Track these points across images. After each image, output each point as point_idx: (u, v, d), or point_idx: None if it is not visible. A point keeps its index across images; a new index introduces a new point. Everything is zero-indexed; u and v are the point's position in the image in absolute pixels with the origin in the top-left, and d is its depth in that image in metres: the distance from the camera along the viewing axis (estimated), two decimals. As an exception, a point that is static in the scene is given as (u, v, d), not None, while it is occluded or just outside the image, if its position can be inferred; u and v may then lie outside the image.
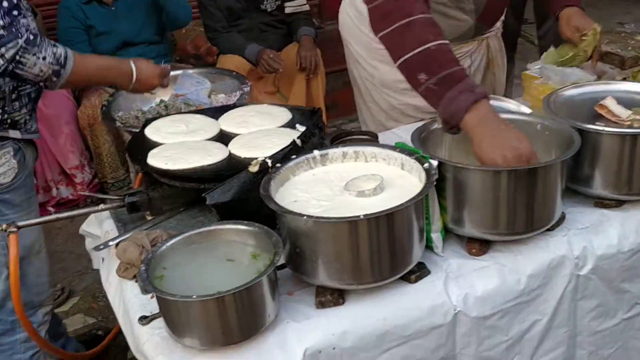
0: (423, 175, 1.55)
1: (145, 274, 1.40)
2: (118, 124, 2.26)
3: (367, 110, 2.66)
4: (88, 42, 3.85)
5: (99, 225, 2.05)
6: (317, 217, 1.40)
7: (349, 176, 1.64)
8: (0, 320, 2.11)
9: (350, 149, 1.71)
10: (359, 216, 1.38)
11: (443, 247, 1.66)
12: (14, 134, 2.03)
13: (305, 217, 1.40)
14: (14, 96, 2.00)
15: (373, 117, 2.63)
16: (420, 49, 1.66)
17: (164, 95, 2.54)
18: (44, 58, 1.85)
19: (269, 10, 4.33)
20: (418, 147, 1.66)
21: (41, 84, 1.91)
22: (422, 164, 1.57)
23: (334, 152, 1.70)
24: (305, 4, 4.45)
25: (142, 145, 1.93)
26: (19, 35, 1.80)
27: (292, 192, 1.61)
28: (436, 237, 1.63)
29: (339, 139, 1.91)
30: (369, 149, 1.70)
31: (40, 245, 2.20)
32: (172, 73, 2.63)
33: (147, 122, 2.06)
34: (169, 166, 1.77)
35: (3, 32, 1.78)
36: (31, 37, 1.83)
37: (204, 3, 4.22)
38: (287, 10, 4.40)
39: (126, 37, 3.93)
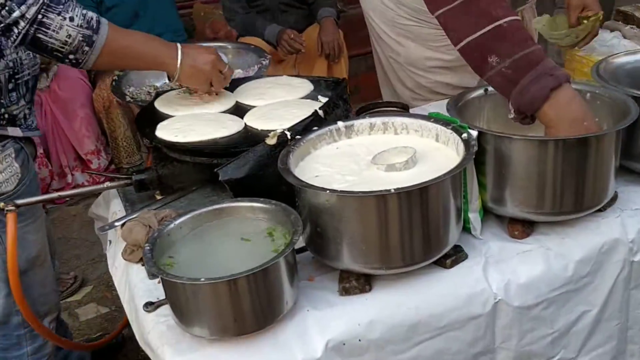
0: (461, 147, 1.38)
1: (150, 254, 1.25)
2: (128, 98, 2.11)
3: (391, 89, 2.50)
4: None
5: (106, 207, 1.92)
6: (342, 192, 1.24)
7: (376, 149, 1.47)
8: (6, 335, 1.89)
9: (378, 120, 1.54)
10: (389, 190, 1.22)
11: (482, 229, 1.49)
12: (14, 131, 1.72)
13: (328, 192, 1.24)
14: (10, 86, 1.69)
15: (398, 96, 2.47)
16: (489, 27, 1.42)
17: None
18: (72, 19, 1.51)
19: (291, -11, 4.17)
20: (455, 117, 1.48)
21: (71, 57, 1.55)
22: (460, 135, 1.40)
23: (360, 123, 1.54)
24: (327, -16, 4.27)
25: (152, 118, 1.78)
26: None
27: (314, 166, 1.45)
28: (474, 217, 1.47)
29: (366, 110, 1.74)
30: (399, 120, 1.53)
31: (45, 254, 1.93)
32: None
33: (158, 94, 1.91)
34: (178, 138, 1.62)
35: None
36: None
37: (226, -19, 4.07)
38: (309, -10, 4.23)
39: (136, 9, 3.81)
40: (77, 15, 1.53)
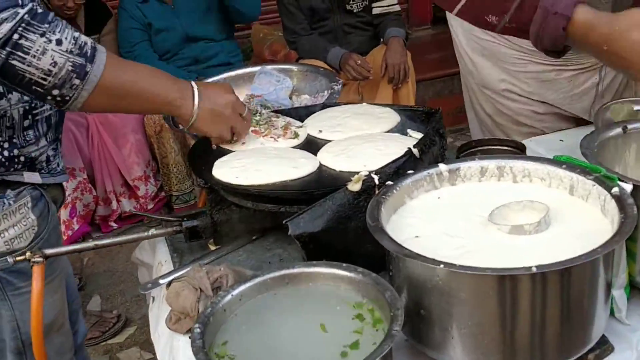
0: (611, 205, 1.04)
1: (201, 341, 0.95)
2: (181, 126, 1.84)
3: (474, 115, 2.16)
4: (149, 43, 3.59)
5: (152, 252, 1.64)
6: (462, 267, 0.91)
7: (491, 202, 1.14)
8: None
9: (491, 164, 1.21)
10: (529, 268, 0.88)
11: (627, 310, 1.13)
12: (31, 177, 1.40)
13: (442, 267, 0.91)
14: (26, 123, 1.36)
15: (481, 122, 2.13)
16: None
17: (237, 95, 2.12)
18: (59, 42, 1.16)
19: (356, 11, 3.90)
20: (594, 162, 1.14)
21: (55, 92, 1.18)
22: (608, 189, 1.06)
23: (469, 166, 1.21)
24: (395, 4, 3.99)
25: (208, 153, 1.49)
26: (17, 1, 1.13)
27: (411, 222, 1.13)
28: (619, 295, 1.12)
29: (468, 149, 1.41)
30: (519, 164, 1.20)
31: (63, 318, 1.61)
32: (248, 70, 2.22)
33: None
34: (239, 180, 1.31)
35: None
36: (38, 9, 1.16)
37: (285, 3, 3.84)
38: (375, 11, 3.96)
39: (187, 32, 3.63)
40: (66, 38, 1.17)
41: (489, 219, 1.09)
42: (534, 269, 0.88)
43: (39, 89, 1.18)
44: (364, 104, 1.67)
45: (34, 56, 1.13)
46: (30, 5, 1.14)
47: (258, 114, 1.61)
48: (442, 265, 0.92)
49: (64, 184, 1.55)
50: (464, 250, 1.04)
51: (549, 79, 1.87)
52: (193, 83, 1.39)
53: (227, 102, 1.42)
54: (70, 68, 1.17)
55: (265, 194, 1.29)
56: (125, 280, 3.30)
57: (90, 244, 1.39)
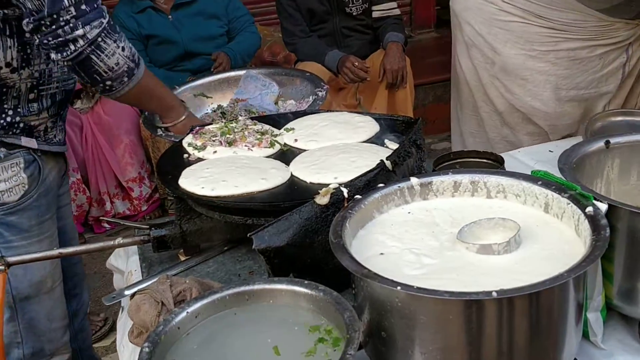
0: (584, 225, 1.00)
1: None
2: (160, 132, 1.80)
3: (474, 117, 2.13)
4: (145, 52, 3.48)
5: (125, 261, 1.61)
6: (421, 290, 0.86)
7: (462, 218, 1.10)
8: None
9: (465, 178, 1.17)
10: (489, 293, 0.84)
11: (604, 335, 1.09)
12: (28, 142, 1.58)
13: (399, 289, 0.87)
14: (31, 96, 1.57)
15: (483, 123, 2.12)
16: None
17: (222, 99, 2.08)
18: (124, 49, 1.51)
19: (355, 13, 3.84)
20: (571, 179, 1.10)
21: (108, 83, 1.52)
22: (582, 208, 1.01)
23: (441, 181, 1.17)
24: (395, 8, 3.93)
25: (177, 161, 1.45)
26: (103, 14, 1.47)
27: (378, 238, 1.09)
28: (594, 318, 1.07)
29: (445, 161, 1.37)
30: (494, 179, 1.15)
31: (54, 280, 1.70)
32: (233, 73, 2.19)
33: (192, 129, 1.59)
34: (205, 191, 1.28)
35: (86, 7, 1.42)
36: (111, 20, 1.50)
37: (283, 4, 3.78)
38: (375, 15, 3.90)
39: (186, 48, 3.52)
40: (127, 47, 1.53)
41: (457, 237, 1.04)
42: (494, 294, 0.84)
43: (97, 77, 1.50)
44: (344, 112, 1.62)
45: (107, 55, 1.47)
46: (108, 17, 1.49)
47: (234, 120, 1.57)
48: (399, 287, 0.87)
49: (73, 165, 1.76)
50: (429, 269, 0.99)
51: (580, 57, 1.88)
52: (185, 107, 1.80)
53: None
54: (125, 69, 1.52)
55: (231, 205, 1.25)
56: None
57: (54, 252, 1.36)
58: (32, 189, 1.59)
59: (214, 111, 2.03)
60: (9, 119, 1.53)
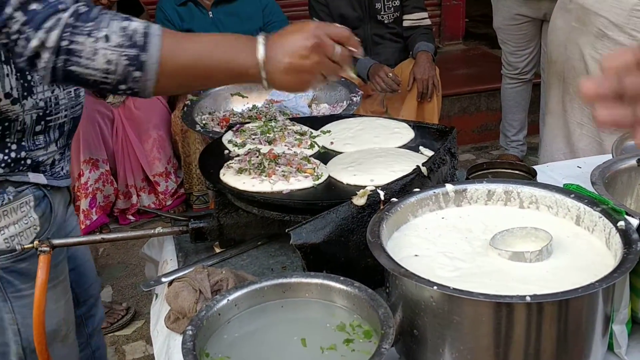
0: (615, 239, 1.03)
1: (192, 344, 0.95)
2: (199, 127, 1.86)
3: (585, 109, 2.26)
4: None
5: (160, 250, 1.66)
6: (456, 291, 0.90)
7: (495, 226, 1.14)
8: None
9: (499, 187, 1.20)
10: (523, 297, 0.87)
11: (628, 347, 1.11)
12: (36, 178, 1.38)
13: (435, 288, 0.91)
14: (38, 128, 1.36)
15: (589, 121, 2.24)
16: None
17: (257, 100, 2.13)
18: (107, 38, 1.09)
19: (386, 21, 3.89)
20: (603, 194, 1.13)
21: (122, 87, 1.13)
22: (614, 222, 1.05)
23: (476, 189, 1.21)
24: (426, 18, 3.97)
25: (219, 156, 1.50)
26: (58, 5, 1.09)
27: (412, 240, 1.12)
28: (619, 331, 1.10)
29: (478, 170, 1.40)
30: (527, 190, 1.19)
31: (68, 327, 1.55)
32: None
33: (231, 127, 1.64)
34: (246, 186, 1.32)
35: (36, 6, 1.08)
36: (81, 8, 1.11)
37: (316, 9, 3.84)
38: (406, 24, 3.94)
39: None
40: (113, 32, 1.10)
41: (490, 244, 1.08)
42: (528, 299, 0.87)
43: (106, 87, 1.13)
44: (381, 117, 1.67)
45: (88, 58, 1.09)
46: (72, 7, 1.09)
47: (274, 119, 1.61)
48: (435, 287, 0.91)
49: (81, 177, 1.57)
50: (462, 273, 1.03)
51: None
52: (260, 39, 1.17)
53: (303, 51, 1.16)
54: (125, 62, 1.10)
55: (271, 201, 1.30)
56: (138, 274, 3.32)
57: (97, 237, 1.41)
58: (45, 229, 1.41)
59: (250, 110, 2.08)
60: (13, 154, 1.33)
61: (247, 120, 1.73)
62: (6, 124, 1.30)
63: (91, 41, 1.08)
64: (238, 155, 1.47)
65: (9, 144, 1.33)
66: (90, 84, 1.13)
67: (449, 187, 1.20)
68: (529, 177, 1.37)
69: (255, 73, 1.16)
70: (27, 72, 1.30)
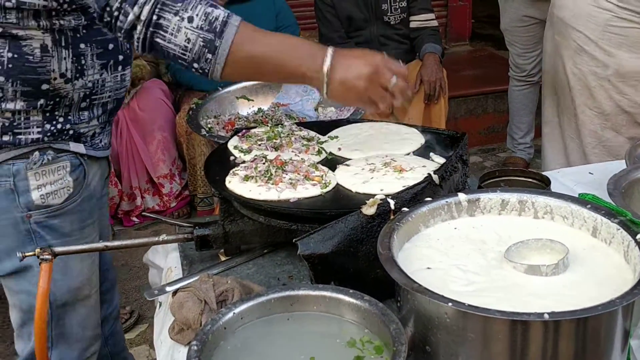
0: (635, 251, 0.99)
1: (197, 359, 0.92)
2: (204, 132, 1.83)
3: (573, 121, 2.24)
4: None
5: (164, 256, 1.63)
6: (471, 307, 0.87)
7: (509, 237, 1.10)
8: None
9: (512, 197, 1.17)
10: (541, 315, 0.84)
11: (646, 362, 1.08)
12: (77, 147, 1.52)
13: (450, 305, 0.88)
14: (83, 104, 1.50)
15: (580, 128, 2.23)
16: None
17: (263, 103, 2.10)
18: (190, 19, 1.23)
19: (393, 22, 3.85)
20: (621, 205, 1.09)
21: (195, 66, 1.26)
22: (634, 234, 1.01)
23: (489, 198, 1.17)
24: (433, 19, 3.93)
25: (224, 162, 1.47)
26: None
27: (424, 252, 1.09)
28: (637, 346, 1.07)
29: (490, 177, 1.37)
30: (542, 200, 1.15)
31: (91, 288, 1.64)
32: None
33: (237, 132, 1.61)
34: (252, 194, 1.29)
35: None
36: None
37: (322, 10, 3.80)
38: (413, 25, 3.90)
39: None
40: (197, 15, 1.24)
41: (505, 256, 1.05)
42: (547, 316, 0.84)
43: (183, 62, 1.27)
44: (390, 122, 1.63)
45: (172, 34, 1.24)
46: None
47: (280, 124, 1.58)
48: (450, 304, 0.88)
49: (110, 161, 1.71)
50: (476, 287, 1.00)
51: None
52: (329, 52, 1.29)
53: (362, 74, 1.29)
54: (201, 43, 1.24)
55: (277, 210, 1.27)
56: (142, 277, 3.29)
57: (100, 245, 1.38)
58: (77, 192, 1.54)
59: (255, 113, 2.05)
60: (59, 126, 1.48)
61: (253, 125, 1.69)
62: (57, 99, 1.45)
63: (177, 20, 1.23)
64: (244, 162, 1.44)
65: (57, 117, 1.47)
66: (170, 57, 1.27)
67: (462, 196, 1.17)
68: (542, 185, 1.34)
69: (316, 77, 1.29)
70: (82, 57, 1.44)
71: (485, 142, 4.66)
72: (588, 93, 2.15)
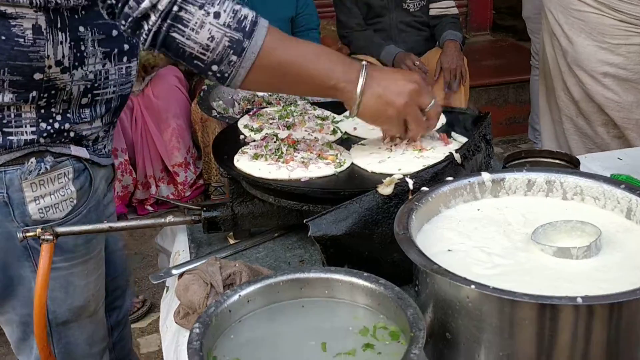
0: (674, 234, 0.91)
1: (199, 344, 0.86)
2: (215, 113, 1.77)
3: (552, 104, 2.19)
4: None
5: (172, 240, 1.58)
6: (496, 290, 0.80)
7: (536, 219, 1.03)
8: None
9: (539, 177, 1.09)
10: (574, 299, 0.77)
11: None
12: (78, 151, 1.34)
13: (472, 287, 0.80)
14: (84, 100, 1.31)
15: (559, 111, 2.15)
16: None
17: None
18: (217, 15, 1.09)
19: (412, 10, 3.79)
20: (658, 185, 1.01)
21: (214, 68, 1.12)
22: (673, 215, 0.93)
23: (515, 178, 1.10)
24: (453, 7, 3.85)
25: (234, 141, 1.41)
26: None
27: (445, 234, 1.02)
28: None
29: (516, 159, 1.29)
30: (571, 180, 1.07)
31: (97, 303, 1.48)
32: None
33: (248, 111, 1.55)
34: (262, 173, 1.23)
35: None
36: None
37: (341, -3, 3.74)
38: (432, 12, 3.83)
39: None
40: (225, 11, 1.10)
41: (532, 238, 0.97)
42: (580, 300, 0.76)
43: (199, 63, 1.12)
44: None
45: (193, 29, 1.09)
46: None
47: (293, 103, 1.51)
48: (473, 286, 0.81)
49: (121, 147, 1.55)
50: (501, 270, 0.92)
51: None
52: (364, 65, 1.20)
53: (402, 90, 1.20)
54: (227, 43, 1.10)
55: (288, 189, 1.20)
56: (155, 265, 3.25)
57: (104, 225, 1.32)
58: (82, 203, 1.35)
59: (270, 95, 1.99)
60: (57, 125, 1.28)
61: (264, 105, 1.63)
62: (53, 92, 1.25)
63: (202, 14, 1.08)
64: (254, 141, 1.38)
65: (54, 114, 1.28)
66: (184, 57, 1.12)
67: (486, 175, 1.09)
68: (570, 166, 1.26)
69: (348, 90, 1.18)
70: (81, 43, 1.25)
71: (507, 133, 4.56)
72: (561, 77, 2.09)
